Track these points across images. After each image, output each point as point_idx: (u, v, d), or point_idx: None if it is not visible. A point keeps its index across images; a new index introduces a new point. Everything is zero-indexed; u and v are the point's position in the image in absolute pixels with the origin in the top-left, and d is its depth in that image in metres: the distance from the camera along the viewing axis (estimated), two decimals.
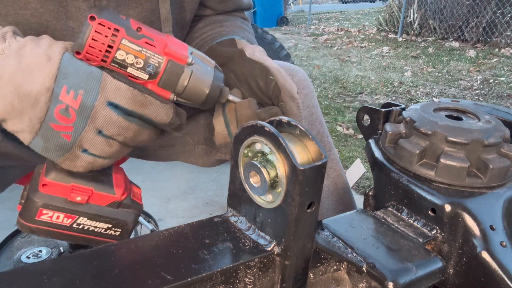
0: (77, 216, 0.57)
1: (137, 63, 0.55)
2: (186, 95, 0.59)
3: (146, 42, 0.55)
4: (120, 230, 0.60)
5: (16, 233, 1.49)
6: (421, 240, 0.54)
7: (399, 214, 0.60)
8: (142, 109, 0.55)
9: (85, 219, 0.58)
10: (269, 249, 0.45)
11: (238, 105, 0.67)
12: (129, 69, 0.55)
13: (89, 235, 0.59)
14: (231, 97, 0.66)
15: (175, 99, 0.59)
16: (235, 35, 0.81)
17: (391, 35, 7.49)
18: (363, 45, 6.80)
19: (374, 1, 18.06)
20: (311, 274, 0.51)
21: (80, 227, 0.58)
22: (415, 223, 0.57)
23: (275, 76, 0.67)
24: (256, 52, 0.71)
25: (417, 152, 0.58)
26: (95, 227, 0.58)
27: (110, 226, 0.59)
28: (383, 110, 0.73)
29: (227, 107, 0.70)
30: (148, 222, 1.65)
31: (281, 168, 0.42)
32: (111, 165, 0.60)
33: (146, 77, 0.56)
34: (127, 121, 0.54)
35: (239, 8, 0.93)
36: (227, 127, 0.70)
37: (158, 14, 0.75)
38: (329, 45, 6.88)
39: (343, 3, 19.21)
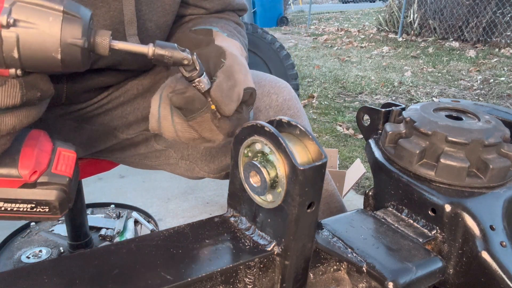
0: None
1: None
2: (33, 67, 0.44)
3: None
4: (47, 207, 0.55)
5: (16, 233, 1.49)
6: (421, 240, 0.54)
7: (399, 214, 0.60)
8: None
9: (2, 203, 0.54)
10: (269, 249, 0.45)
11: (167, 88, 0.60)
12: None
13: (17, 214, 0.55)
14: (116, 44, 0.48)
15: (19, 73, 0.44)
16: (215, 27, 0.75)
17: (391, 35, 7.49)
18: (363, 45, 6.80)
19: (374, 1, 18.06)
20: (311, 274, 0.51)
21: (3, 209, 0.55)
22: (415, 223, 0.57)
23: (228, 58, 0.62)
24: (226, 42, 0.66)
25: (417, 152, 0.58)
26: (18, 208, 0.55)
27: (33, 205, 0.55)
28: (383, 110, 0.73)
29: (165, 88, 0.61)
30: (148, 222, 1.65)
31: (281, 168, 0.42)
32: (21, 137, 0.54)
33: None
34: None
35: (229, 6, 0.87)
36: (159, 108, 0.62)
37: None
38: (329, 45, 6.88)
39: (343, 3, 19.21)
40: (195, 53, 0.56)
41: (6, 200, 0.53)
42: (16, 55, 0.42)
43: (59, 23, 0.42)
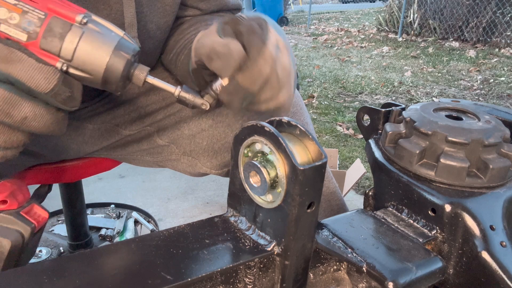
0: None
1: (11, 18, 0.46)
2: (79, 64, 0.49)
3: None
4: None
5: None
6: (421, 240, 0.54)
7: (399, 214, 0.60)
8: (7, 66, 0.45)
9: None
10: (269, 249, 0.45)
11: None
12: (2, 27, 0.46)
13: None
14: (150, 79, 0.55)
15: (64, 68, 0.49)
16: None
17: (391, 35, 7.49)
18: (363, 45, 6.79)
19: (374, 1, 18.06)
20: (311, 274, 0.51)
21: None
22: (415, 223, 0.57)
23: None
24: None
25: (417, 152, 0.58)
26: None
27: None
28: (383, 110, 0.73)
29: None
30: (148, 222, 1.65)
31: (281, 168, 0.42)
32: (5, 174, 0.53)
33: (24, 37, 0.46)
34: None
35: (225, 7, 0.88)
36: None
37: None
38: (329, 45, 6.88)
39: (343, 3, 19.22)
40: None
41: None
42: (74, 45, 0.48)
43: (118, 38, 0.51)
